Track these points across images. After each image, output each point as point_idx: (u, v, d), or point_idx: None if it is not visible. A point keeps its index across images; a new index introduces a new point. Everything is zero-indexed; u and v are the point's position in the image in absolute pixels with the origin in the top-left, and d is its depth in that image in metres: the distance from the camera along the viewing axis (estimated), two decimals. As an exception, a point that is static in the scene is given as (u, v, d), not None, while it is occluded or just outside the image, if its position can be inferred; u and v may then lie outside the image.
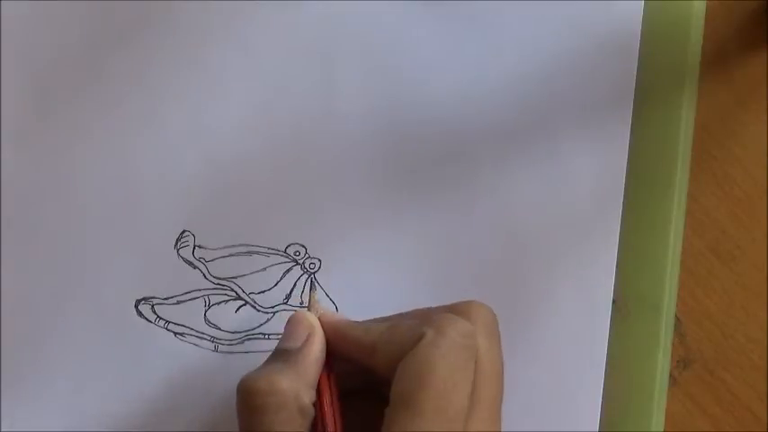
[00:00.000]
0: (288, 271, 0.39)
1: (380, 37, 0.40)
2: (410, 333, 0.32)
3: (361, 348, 0.34)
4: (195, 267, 0.39)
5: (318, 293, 0.39)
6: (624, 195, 0.40)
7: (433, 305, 0.35)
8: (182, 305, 0.39)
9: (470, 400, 0.31)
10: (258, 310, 0.39)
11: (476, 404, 0.31)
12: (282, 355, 0.34)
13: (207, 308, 0.39)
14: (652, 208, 0.40)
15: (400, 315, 0.35)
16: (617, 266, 0.39)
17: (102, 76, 0.39)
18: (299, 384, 0.33)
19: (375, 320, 0.35)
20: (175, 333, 0.39)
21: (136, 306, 0.39)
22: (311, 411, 0.33)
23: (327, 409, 0.34)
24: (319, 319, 0.35)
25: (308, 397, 0.33)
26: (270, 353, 0.37)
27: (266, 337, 0.39)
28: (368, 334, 0.34)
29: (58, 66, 0.39)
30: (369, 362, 0.34)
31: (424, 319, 0.33)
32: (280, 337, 0.38)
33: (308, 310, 0.36)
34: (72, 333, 0.38)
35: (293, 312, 0.36)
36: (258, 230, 0.39)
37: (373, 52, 0.40)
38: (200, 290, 0.39)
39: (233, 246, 0.39)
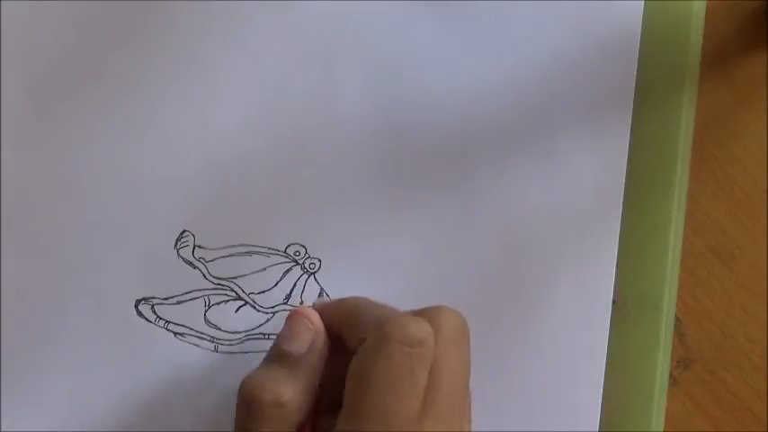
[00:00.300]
0: (288, 271, 0.39)
1: (380, 37, 0.40)
2: (361, 329, 0.33)
3: (333, 321, 0.35)
4: (195, 267, 0.39)
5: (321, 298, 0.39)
6: (624, 195, 0.40)
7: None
8: (182, 305, 0.39)
9: (423, 404, 0.31)
10: (258, 310, 0.39)
11: (429, 409, 0.31)
12: (287, 360, 0.34)
13: (207, 308, 0.39)
14: (652, 208, 0.40)
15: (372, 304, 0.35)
16: (617, 266, 0.39)
17: (102, 76, 0.39)
18: (303, 395, 0.33)
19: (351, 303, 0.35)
20: (175, 333, 0.39)
21: (136, 306, 0.39)
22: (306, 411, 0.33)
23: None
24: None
25: (308, 403, 0.33)
26: (270, 353, 0.37)
27: (266, 337, 0.39)
28: (339, 308, 0.35)
29: (58, 66, 0.39)
30: (339, 334, 0.34)
31: (380, 321, 0.33)
32: (280, 336, 0.38)
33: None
34: (72, 333, 0.38)
35: (296, 309, 0.36)
36: (258, 230, 0.39)
37: (373, 52, 0.40)
38: (200, 290, 0.39)
39: (233, 246, 0.39)
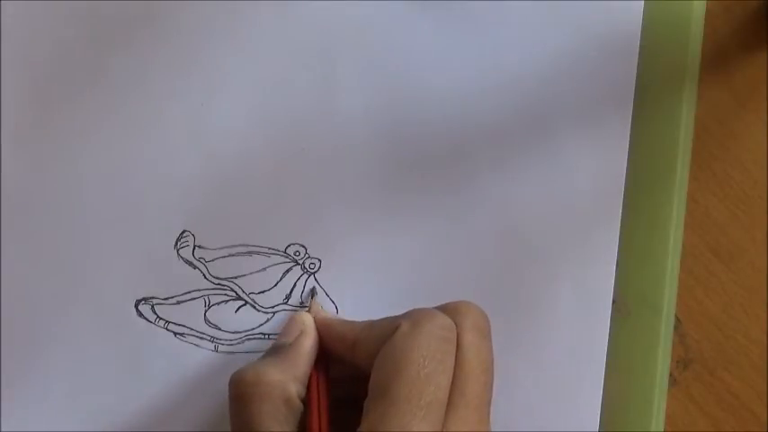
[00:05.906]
0: (288, 271, 0.39)
1: (380, 37, 0.40)
2: (387, 326, 0.33)
3: (344, 343, 0.35)
4: (195, 267, 0.39)
5: (318, 296, 0.39)
6: (624, 195, 0.40)
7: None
8: (182, 305, 0.39)
9: (452, 395, 0.31)
10: (258, 310, 0.39)
11: (459, 399, 0.31)
12: (275, 350, 0.36)
13: (207, 308, 0.39)
14: (652, 208, 0.40)
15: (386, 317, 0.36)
16: (617, 266, 0.39)
17: (103, 76, 0.39)
18: (287, 376, 0.34)
19: (363, 321, 0.36)
20: (175, 333, 0.39)
21: (136, 306, 0.39)
22: (299, 405, 0.34)
23: (314, 405, 0.34)
24: (314, 317, 0.37)
25: (295, 389, 0.33)
26: (270, 353, 0.37)
27: (266, 337, 0.39)
28: (351, 329, 0.35)
29: (58, 66, 0.39)
30: (351, 358, 0.34)
31: (404, 314, 0.33)
32: (279, 336, 0.38)
33: (308, 311, 0.37)
34: (72, 333, 0.38)
35: (292, 313, 0.37)
36: (258, 230, 0.39)
37: (373, 52, 0.40)
38: (200, 290, 0.39)
39: (233, 246, 0.39)
